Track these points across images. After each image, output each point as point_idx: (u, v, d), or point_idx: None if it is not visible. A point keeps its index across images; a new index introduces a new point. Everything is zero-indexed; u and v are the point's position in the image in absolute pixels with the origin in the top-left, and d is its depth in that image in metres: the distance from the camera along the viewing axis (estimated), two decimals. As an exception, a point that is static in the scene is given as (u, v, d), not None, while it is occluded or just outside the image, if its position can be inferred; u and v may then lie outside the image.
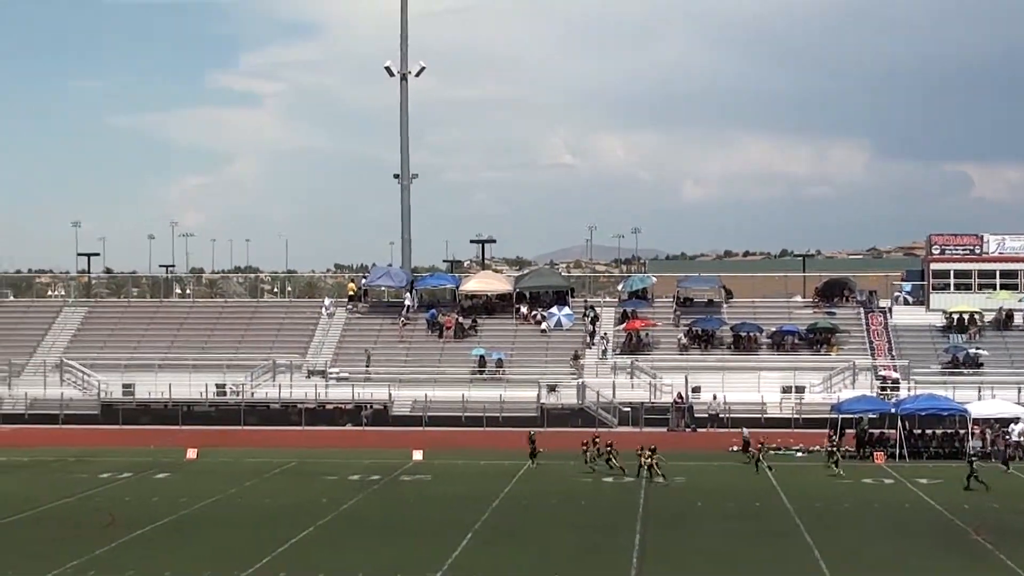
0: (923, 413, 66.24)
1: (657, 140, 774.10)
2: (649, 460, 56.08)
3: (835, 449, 59.72)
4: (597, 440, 60.54)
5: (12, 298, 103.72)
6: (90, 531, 42.94)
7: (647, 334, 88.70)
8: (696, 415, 79.39)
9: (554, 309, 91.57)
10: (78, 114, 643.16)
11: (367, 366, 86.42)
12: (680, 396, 79.99)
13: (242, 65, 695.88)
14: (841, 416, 65.86)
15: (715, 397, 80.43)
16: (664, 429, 76.40)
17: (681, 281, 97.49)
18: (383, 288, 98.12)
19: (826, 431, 64.51)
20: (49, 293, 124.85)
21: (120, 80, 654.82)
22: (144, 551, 39.57)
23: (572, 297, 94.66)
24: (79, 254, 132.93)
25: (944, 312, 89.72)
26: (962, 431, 65.40)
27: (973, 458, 55.93)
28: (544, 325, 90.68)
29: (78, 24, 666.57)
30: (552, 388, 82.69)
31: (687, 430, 77.14)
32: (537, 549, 40.49)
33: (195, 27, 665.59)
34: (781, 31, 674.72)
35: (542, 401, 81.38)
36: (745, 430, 66.03)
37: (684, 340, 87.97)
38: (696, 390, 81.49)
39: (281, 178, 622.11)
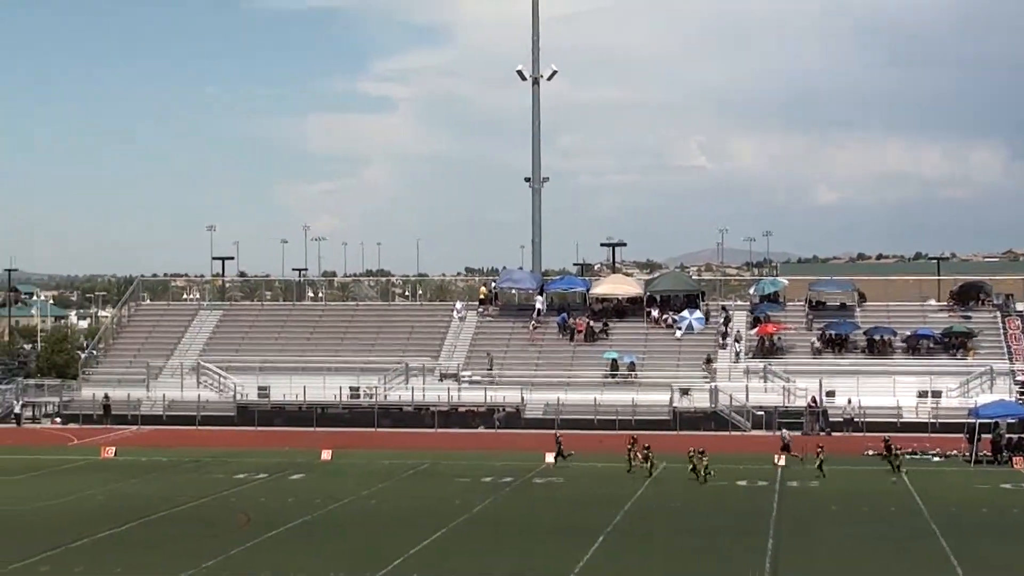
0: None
1: (789, 142, 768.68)
2: (702, 462, 56.48)
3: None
4: (636, 442, 60.93)
5: (149, 301, 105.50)
6: (226, 531, 43.57)
7: (779, 338, 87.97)
8: (831, 419, 78.64)
9: (685, 313, 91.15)
10: (214, 120, 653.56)
11: (490, 369, 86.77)
12: (814, 400, 79.29)
13: (375, 71, 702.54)
14: (979, 421, 64.89)
15: (849, 401, 79.56)
16: (799, 433, 75.73)
17: (813, 284, 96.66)
18: (514, 291, 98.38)
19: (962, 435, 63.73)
20: (185, 296, 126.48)
21: (256, 87, 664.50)
22: (278, 552, 40.04)
23: (703, 301, 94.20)
24: (214, 258, 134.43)
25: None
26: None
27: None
28: (675, 329, 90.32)
29: (215, 32, 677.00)
30: (685, 392, 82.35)
31: (821, 434, 76.39)
32: (667, 554, 40.34)
33: (329, 34, 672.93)
34: (917, 32, 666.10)
35: (674, 405, 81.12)
36: (886, 436, 65.24)
37: (817, 344, 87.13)
38: (831, 394, 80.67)
39: (414, 182, 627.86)
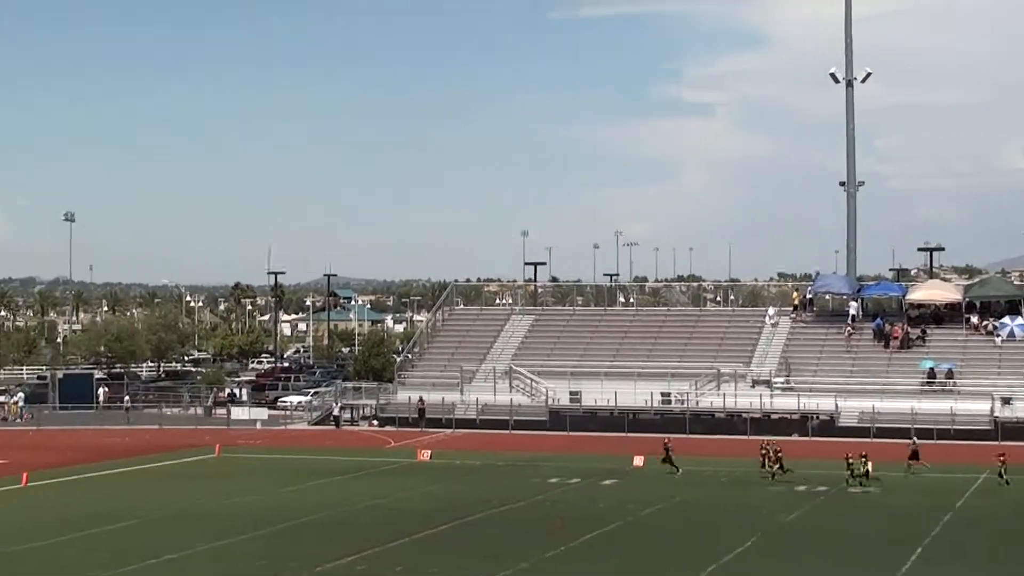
0: None
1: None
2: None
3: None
4: (767, 446, 60.80)
5: (463, 306, 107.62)
6: (539, 534, 44.15)
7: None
8: None
9: (1006, 319, 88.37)
10: (529, 127, 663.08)
11: (788, 375, 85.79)
12: None
13: (690, 76, 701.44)
14: None
15: None
16: None
17: None
18: (827, 297, 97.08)
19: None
20: (498, 301, 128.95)
21: (570, 93, 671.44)
22: (590, 556, 40.42)
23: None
24: (526, 263, 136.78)
25: None
26: None
27: None
28: (996, 336, 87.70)
29: (525, 40, 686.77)
30: (1006, 401, 79.93)
31: None
32: (990, 569, 39.25)
33: (643, 39, 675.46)
34: None
35: (996, 414, 78.83)
36: None
37: None
38: None
39: (727, 187, 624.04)
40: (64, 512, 49.45)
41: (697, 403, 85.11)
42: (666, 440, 63.83)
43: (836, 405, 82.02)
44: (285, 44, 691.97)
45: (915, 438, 66.43)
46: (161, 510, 49.58)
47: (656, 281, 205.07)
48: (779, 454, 60.09)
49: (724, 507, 51.17)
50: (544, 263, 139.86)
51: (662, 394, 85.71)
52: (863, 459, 57.08)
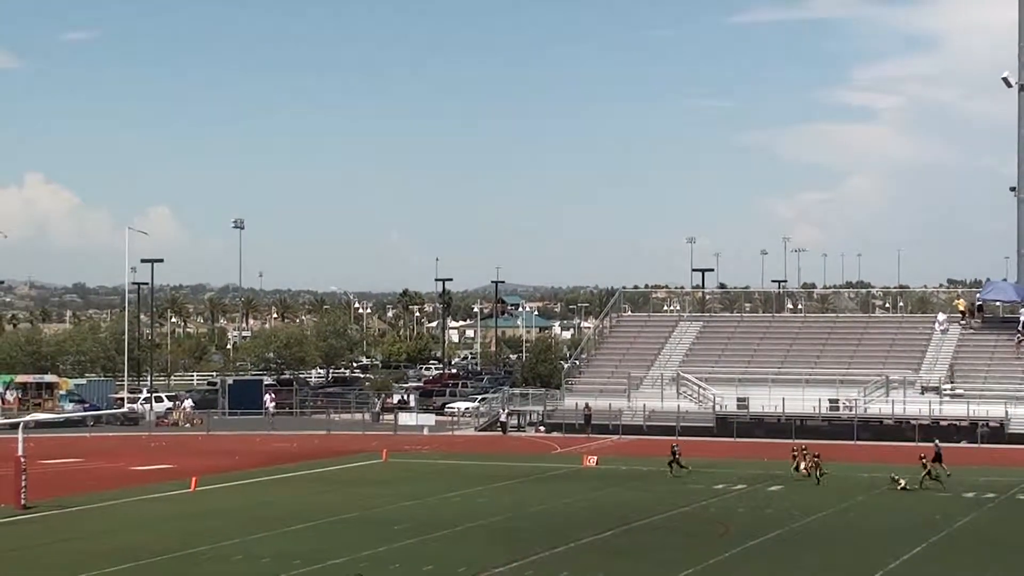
0: None
1: None
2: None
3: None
4: (806, 451, 61.85)
5: (630, 313, 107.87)
6: (704, 541, 44.30)
7: None
8: None
9: None
10: (697, 132, 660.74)
11: (951, 381, 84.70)
12: None
13: (857, 80, 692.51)
14: None
15: None
16: None
17: None
18: (997, 303, 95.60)
19: None
20: (665, 308, 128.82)
21: (735, 98, 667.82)
22: (755, 563, 40.43)
23: None
24: (694, 270, 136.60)
25: None
26: None
27: None
28: None
29: (690, 44, 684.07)
30: None
31: None
32: None
33: (808, 44, 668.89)
34: None
35: None
36: None
37: None
38: None
39: (896, 192, 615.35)
40: (231, 517, 50.67)
41: (865, 410, 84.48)
42: (674, 443, 66.86)
43: (1006, 412, 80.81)
44: (448, 49, 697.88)
45: (936, 440, 65.53)
46: (328, 515, 50.51)
47: (824, 287, 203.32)
48: (817, 458, 60.99)
49: (892, 513, 50.81)
50: (712, 269, 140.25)
51: (830, 401, 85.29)
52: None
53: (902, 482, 57.47)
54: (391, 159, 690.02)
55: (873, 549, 42.49)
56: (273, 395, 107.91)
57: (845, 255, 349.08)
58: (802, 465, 61.67)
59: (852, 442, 79.94)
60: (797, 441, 71.65)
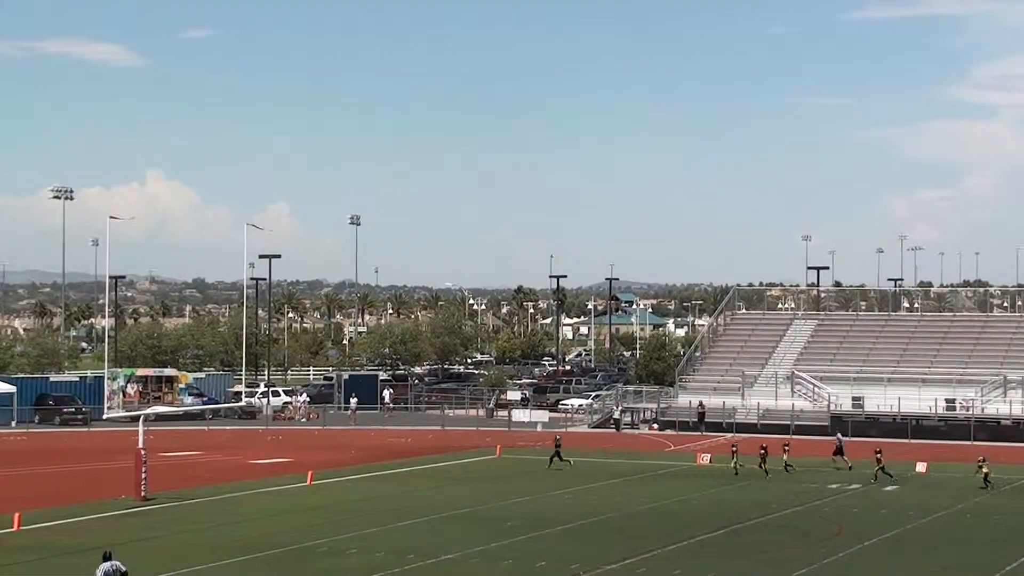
0: None
1: None
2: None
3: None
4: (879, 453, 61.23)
5: (744, 311, 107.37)
6: (818, 540, 44.09)
7: None
8: None
9: None
10: (813, 129, 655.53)
11: None
12: None
13: (976, 77, 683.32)
14: None
15: None
16: None
17: None
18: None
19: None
20: (780, 306, 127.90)
21: (852, 96, 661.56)
22: (869, 563, 40.14)
23: None
24: (809, 267, 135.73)
25: None
26: None
27: None
28: None
29: (807, 42, 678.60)
30: None
31: None
32: None
33: (928, 41, 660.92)
34: None
35: None
36: None
37: None
38: None
39: (1015, 190, 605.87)
40: (346, 510, 51.18)
41: (982, 410, 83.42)
42: (557, 436, 69.14)
43: None
44: (569, 45, 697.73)
45: (839, 434, 68.08)
46: (441, 510, 50.87)
47: (941, 286, 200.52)
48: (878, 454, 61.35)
49: (1008, 516, 50.18)
50: (827, 267, 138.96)
51: (946, 400, 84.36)
52: (982, 462, 58.27)
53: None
54: (506, 157, 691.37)
55: (989, 551, 42.02)
56: (391, 390, 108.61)
57: (962, 253, 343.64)
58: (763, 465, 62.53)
59: (968, 442, 78.93)
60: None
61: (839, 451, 66.31)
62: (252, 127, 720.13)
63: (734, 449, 64.41)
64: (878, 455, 60.77)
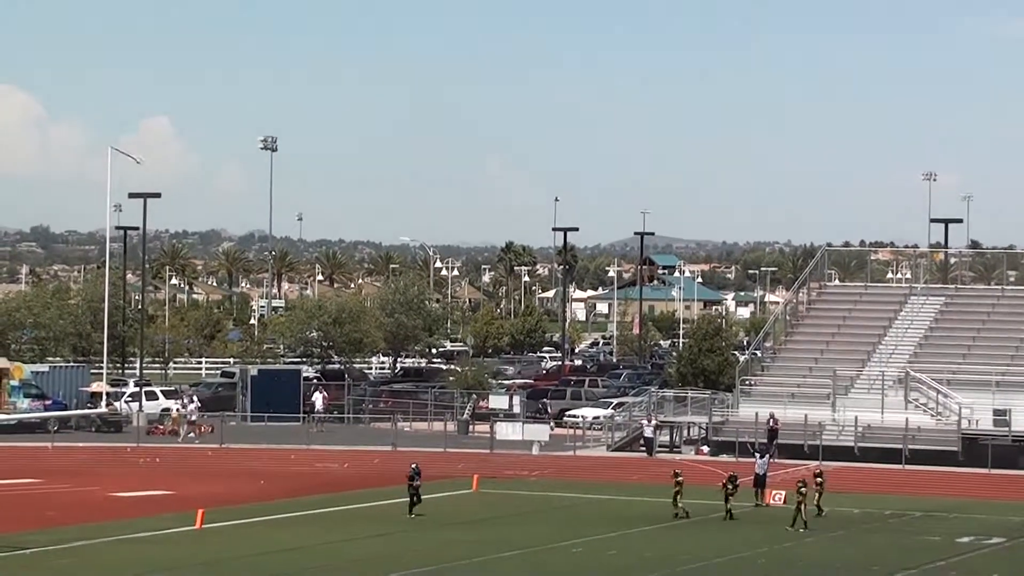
0: None
1: None
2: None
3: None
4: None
5: (838, 282, 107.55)
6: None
7: None
8: None
9: None
10: (955, 22, 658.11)
11: None
12: None
13: None
14: None
15: None
16: None
17: None
18: None
19: None
20: (889, 276, 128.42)
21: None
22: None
23: None
24: (932, 220, 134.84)
25: None
26: None
27: None
28: None
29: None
30: None
31: None
32: None
33: None
34: None
35: None
36: None
37: None
38: None
39: None
40: (251, 568, 51.42)
41: None
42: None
43: None
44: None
45: (758, 456, 70.61)
46: (389, 569, 50.72)
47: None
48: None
49: None
50: (959, 220, 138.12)
51: None
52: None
53: None
54: (491, 62, 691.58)
55: None
56: (323, 393, 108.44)
57: None
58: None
59: None
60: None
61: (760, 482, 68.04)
62: (120, 9, 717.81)
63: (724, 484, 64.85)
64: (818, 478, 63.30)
